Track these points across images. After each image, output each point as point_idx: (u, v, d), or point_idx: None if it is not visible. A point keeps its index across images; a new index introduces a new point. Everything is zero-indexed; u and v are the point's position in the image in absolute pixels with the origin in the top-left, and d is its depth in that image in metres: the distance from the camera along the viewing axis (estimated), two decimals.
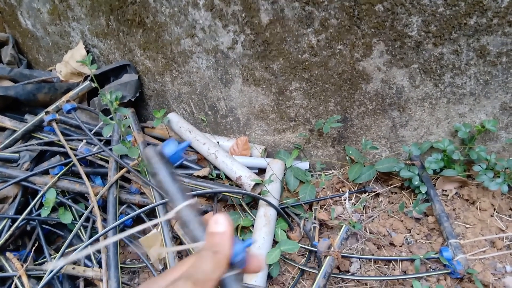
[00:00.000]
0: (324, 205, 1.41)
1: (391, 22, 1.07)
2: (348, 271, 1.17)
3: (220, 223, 0.42)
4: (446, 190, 1.31)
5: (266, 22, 1.20)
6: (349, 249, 1.23)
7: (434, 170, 1.28)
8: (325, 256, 1.09)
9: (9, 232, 1.17)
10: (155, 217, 1.33)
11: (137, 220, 1.35)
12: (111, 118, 1.18)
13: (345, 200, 1.37)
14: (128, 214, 1.31)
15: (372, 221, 1.30)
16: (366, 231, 1.27)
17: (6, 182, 1.23)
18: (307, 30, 1.18)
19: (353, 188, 1.40)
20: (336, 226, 1.30)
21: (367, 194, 1.38)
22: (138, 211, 1.22)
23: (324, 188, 1.43)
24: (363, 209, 1.34)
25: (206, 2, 1.22)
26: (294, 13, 1.15)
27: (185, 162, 1.45)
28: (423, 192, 1.26)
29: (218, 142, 1.51)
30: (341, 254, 1.11)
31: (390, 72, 1.17)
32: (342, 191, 1.42)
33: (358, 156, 1.36)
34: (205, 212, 1.35)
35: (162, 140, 1.58)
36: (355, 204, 1.35)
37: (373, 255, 1.20)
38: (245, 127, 1.50)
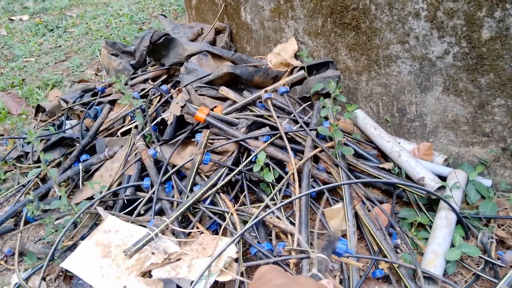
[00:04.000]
0: (503, 224, 1.40)
1: None
2: None
3: (331, 285, 0.69)
4: None
5: (486, 38, 1.26)
6: None
7: None
8: (511, 267, 1.11)
9: (228, 178, 1.49)
10: (337, 194, 1.51)
11: (319, 194, 1.56)
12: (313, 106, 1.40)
13: None
14: (314, 187, 1.52)
15: None
16: None
17: (229, 140, 1.56)
18: None
19: None
20: None
21: None
22: (323, 187, 1.42)
23: (506, 208, 1.42)
24: None
25: (429, 14, 1.34)
26: None
27: (366, 155, 1.60)
28: None
29: (399, 143, 1.62)
30: None
31: None
32: None
33: None
34: (381, 202, 1.48)
35: (344, 132, 1.75)
36: None
37: None
38: (430, 133, 1.58)
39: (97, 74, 3.15)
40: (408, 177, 1.50)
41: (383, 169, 1.50)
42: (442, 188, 1.39)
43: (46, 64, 3.55)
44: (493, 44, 1.26)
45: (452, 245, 1.27)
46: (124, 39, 3.73)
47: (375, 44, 1.55)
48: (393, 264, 1.22)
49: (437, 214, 1.35)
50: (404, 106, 1.59)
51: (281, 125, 1.56)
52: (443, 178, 1.48)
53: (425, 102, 1.52)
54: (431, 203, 1.44)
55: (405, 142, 1.65)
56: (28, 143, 2.08)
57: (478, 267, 1.28)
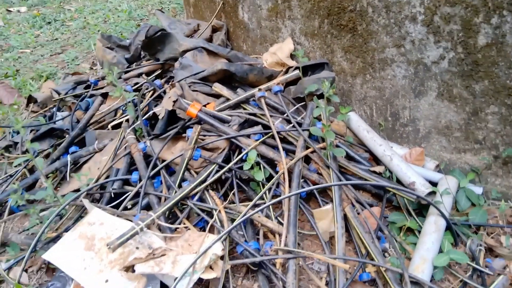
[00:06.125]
0: (492, 233, 1.39)
1: None
2: None
3: None
4: None
5: (482, 44, 1.26)
6: None
7: None
8: (499, 275, 1.10)
9: (217, 175, 1.47)
10: (327, 196, 1.50)
11: (309, 195, 1.55)
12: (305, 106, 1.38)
13: None
14: (304, 188, 1.50)
15: None
16: None
17: (220, 137, 1.55)
18: None
19: None
20: (506, 255, 1.28)
21: None
22: (313, 187, 1.40)
23: (496, 216, 1.41)
24: None
25: (426, 18, 1.33)
26: None
27: (357, 157, 1.59)
28: None
29: (392, 147, 1.61)
30: None
31: None
32: None
33: None
34: (371, 205, 1.47)
35: (336, 134, 1.74)
36: None
37: None
38: (422, 139, 1.57)
39: (92, 68, 3.12)
40: (399, 181, 1.49)
41: (374, 172, 1.49)
42: (432, 193, 1.39)
43: (42, 56, 3.52)
44: (489, 51, 1.26)
45: (441, 251, 1.26)
46: (122, 34, 3.71)
47: (371, 47, 1.54)
48: (380, 267, 1.21)
49: (426, 220, 1.34)
50: (398, 111, 1.59)
51: (273, 124, 1.55)
52: (434, 184, 1.48)
53: (418, 107, 1.51)
54: (421, 208, 1.43)
55: (398, 147, 1.64)
56: (17, 133, 2.05)
57: (466, 274, 1.26)
